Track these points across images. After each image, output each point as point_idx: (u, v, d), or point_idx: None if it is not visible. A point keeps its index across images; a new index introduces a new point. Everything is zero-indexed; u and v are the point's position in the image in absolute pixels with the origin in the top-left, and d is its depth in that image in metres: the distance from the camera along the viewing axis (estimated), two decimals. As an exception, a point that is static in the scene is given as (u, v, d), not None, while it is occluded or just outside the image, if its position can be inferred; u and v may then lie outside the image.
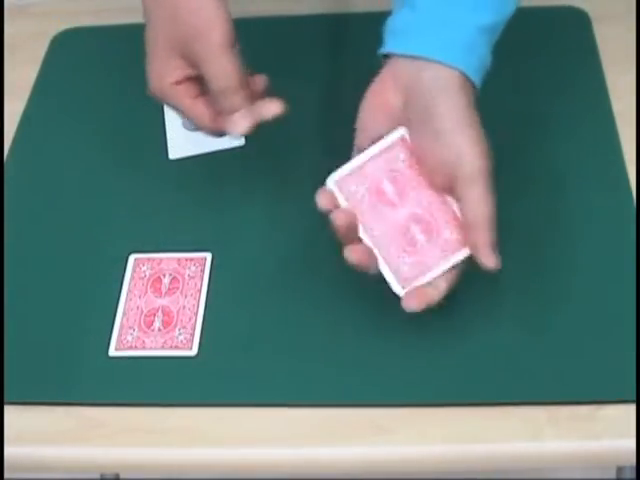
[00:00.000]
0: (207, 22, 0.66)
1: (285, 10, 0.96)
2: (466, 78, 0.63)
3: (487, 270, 0.63)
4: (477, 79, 0.64)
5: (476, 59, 0.64)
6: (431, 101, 0.63)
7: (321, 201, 0.65)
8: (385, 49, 0.66)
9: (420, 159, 0.65)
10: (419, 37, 0.64)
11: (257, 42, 0.93)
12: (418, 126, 0.64)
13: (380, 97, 0.66)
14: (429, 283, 0.64)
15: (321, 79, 0.88)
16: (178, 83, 0.69)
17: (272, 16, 0.95)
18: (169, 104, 0.71)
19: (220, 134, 0.70)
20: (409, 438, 0.65)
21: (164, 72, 0.69)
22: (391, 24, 0.66)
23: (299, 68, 0.90)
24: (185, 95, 0.69)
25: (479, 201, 0.63)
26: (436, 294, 0.64)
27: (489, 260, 0.63)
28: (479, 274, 0.72)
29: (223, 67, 0.67)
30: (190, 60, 0.68)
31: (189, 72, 0.68)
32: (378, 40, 0.96)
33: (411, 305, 0.64)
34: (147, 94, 0.71)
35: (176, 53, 0.68)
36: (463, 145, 0.63)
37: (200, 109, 0.69)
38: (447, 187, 0.64)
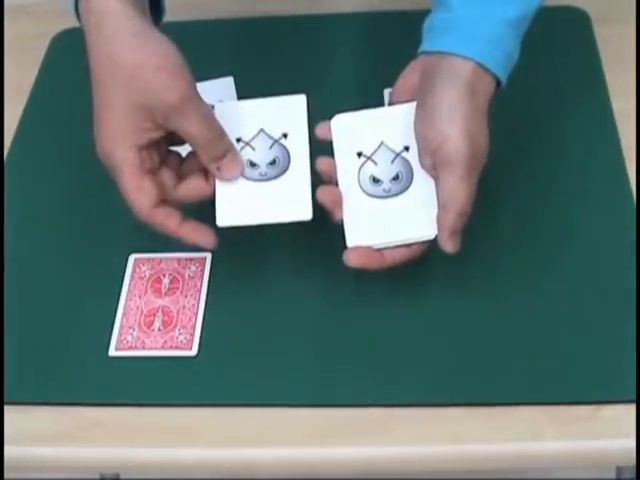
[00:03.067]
0: (166, 83, 0.64)
1: (285, 10, 0.96)
2: (483, 70, 0.66)
3: (446, 253, 0.65)
4: (501, 71, 0.67)
5: (500, 52, 0.67)
6: (435, 84, 0.66)
7: (318, 131, 0.69)
8: (421, 48, 0.69)
9: (415, 138, 0.67)
10: (446, 34, 0.67)
11: (257, 42, 0.93)
12: (420, 106, 0.67)
13: (405, 80, 0.70)
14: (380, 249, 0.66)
15: (321, 78, 0.88)
16: (141, 148, 0.65)
17: (272, 16, 0.95)
18: (117, 175, 0.66)
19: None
20: (409, 438, 0.65)
21: (123, 134, 0.66)
22: (427, 24, 0.70)
23: (299, 68, 0.89)
24: (140, 169, 0.65)
25: (454, 185, 0.65)
26: (380, 261, 0.66)
27: (447, 244, 0.65)
28: (479, 274, 0.72)
29: (200, 122, 0.65)
30: (157, 123, 0.65)
31: (154, 135, 0.65)
32: (378, 39, 0.97)
33: (350, 259, 0.66)
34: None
35: (140, 116, 0.65)
36: (451, 130, 0.64)
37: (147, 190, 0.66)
38: (433, 168, 0.66)
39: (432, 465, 0.66)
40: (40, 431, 0.67)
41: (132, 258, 0.76)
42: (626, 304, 0.69)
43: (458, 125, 0.64)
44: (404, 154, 0.68)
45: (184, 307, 0.72)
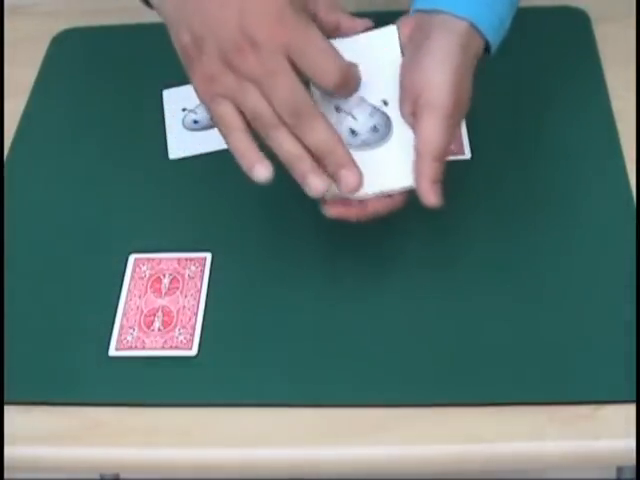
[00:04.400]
0: None
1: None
2: (475, 31, 0.65)
3: (426, 206, 0.64)
4: (492, 36, 0.66)
5: (495, 17, 0.67)
6: (429, 37, 0.65)
7: None
8: (414, 5, 0.69)
9: (400, 86, 0.66)
10: None
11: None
12: (409, 57, 0.66)
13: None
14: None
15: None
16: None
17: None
18: (303, 43, 0.60)
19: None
20: (409, 438, 0.65)
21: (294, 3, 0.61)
22: None
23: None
24: None
25: (432, 131, 0.64)
26: (361, 213, 0.66)
27: (429, 195, 0.64)
28: (479, 274, 0.72)
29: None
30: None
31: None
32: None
33: (329, 211, 0.66)
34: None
35: None
36: (435, 76, 0.64)
37: None
38: (412, 115, 0.66)
39: (432, 465, 0.66)
40: (40, 431, 0.67)
41: (132, 258, 0.76)
42: (626, 304, 0.69)
43: (446, 74, 0.64)
44: (383, 108, 0.67)
45: (184, 307, 0.72)
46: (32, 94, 0.91)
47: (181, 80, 0.89)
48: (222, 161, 0.82)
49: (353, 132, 0.67)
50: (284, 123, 0.62)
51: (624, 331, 0.68)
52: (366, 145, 0.67)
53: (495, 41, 0.67)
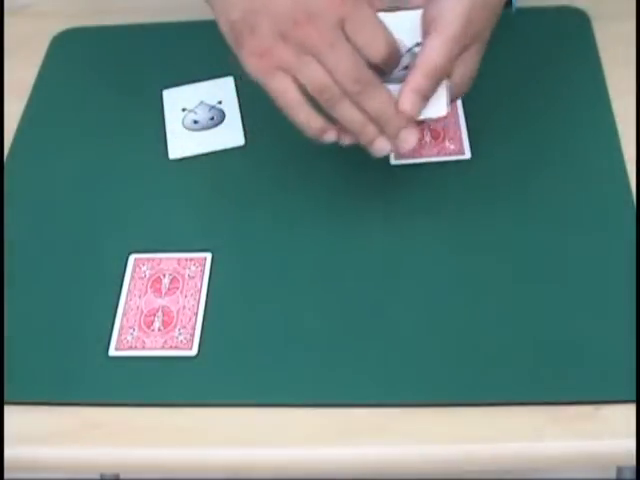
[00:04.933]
0: None
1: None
2: None
3: (402, 112, 0.66)
4: None
5: None
6: None
7: None
8: None
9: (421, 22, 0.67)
10: None
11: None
12: None
13: None
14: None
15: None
16: None
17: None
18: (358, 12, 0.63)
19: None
20: (409, 438, 0.65)
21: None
22: None
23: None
24: None
25: (429, 49, 0.65)
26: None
27: (404, 100, 0.65)
28: (478, 274, 0.72)
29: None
30: None
31: None
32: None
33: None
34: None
35: None
36: (448, 3, 0.65)
37: None
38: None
39: (432, 465, 0.66)
40: (40, 431, 0.67)
41: (132, 258, 0.76)
42: (626, 304, 0.69)
43: (461, 3, 0.65)
44: (415, 49, 0.68)
45: (184, 307, 0.72)
46: (32, 94, 0.91)
47: (181, 80, 0.90)
48: (222, 161, 0.83)
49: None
50: (346, 93, 0.64)
51: (624, 331, 0.68)
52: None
53: None
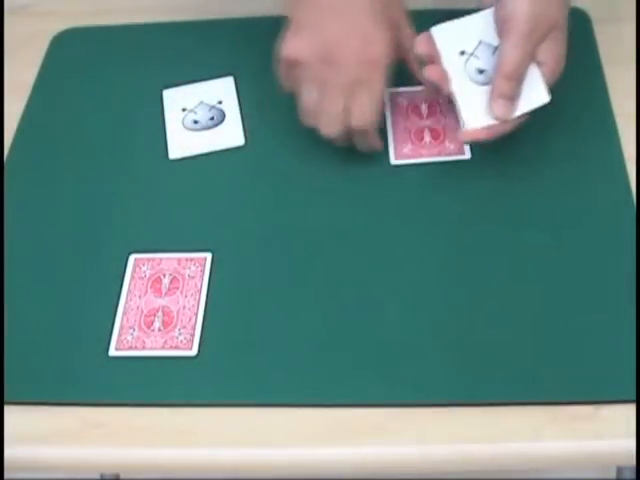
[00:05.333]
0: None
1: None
2: None
3: (496, 118, 0.73)
4: None
5: None
6: None
7: (418, 47, 0.75)
8: None
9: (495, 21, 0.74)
10: None
11: (257, 42, 0.93)
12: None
13: None
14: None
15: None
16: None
17: (272, 16, 0.95)
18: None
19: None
20: (409, 438, 0.65)
21: (388, 47, 0.75)
22: None
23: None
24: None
25: (504, 52, 0.72)
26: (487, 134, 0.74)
27: (493, 106, 0.73)
28: (478, 274, 0.72)
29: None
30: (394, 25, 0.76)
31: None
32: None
33: (465, 135, 0.75)
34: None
35: (391, 33, 0.75)
36: (515, 6, 0.71)
37: None
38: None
39: (432, 465, 0.66)
40: (40, 431, 0.67)
41: (132, 258, 0.76)
42: (626, 304, 0.69)
43: (524, 4, 0.70)
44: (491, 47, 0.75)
45: (184, 307, 0.72)
46: (32, 94, 0.91)
47: (181, 80, 0.90)
48: (222, 161, 0.83)
49: (480, 71, 0.74)
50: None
51: (624, 331, 0.68)
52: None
53: None
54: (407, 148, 0.81)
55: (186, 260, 0.75)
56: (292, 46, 0.75)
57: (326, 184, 0.80)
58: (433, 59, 0.74)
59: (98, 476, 1.23)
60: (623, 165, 0.78)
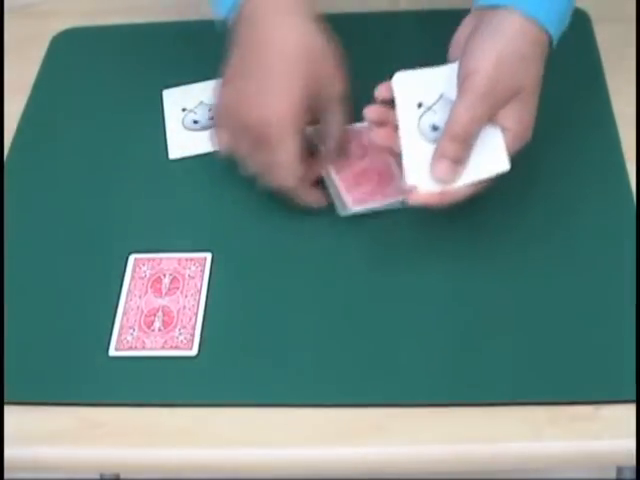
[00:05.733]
0: (334, 72, 0.71)
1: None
2: (537, 26, 0.68)
3: (437, 180, 0.67)
4: (553, 30, 0.68)
5: (553, 11, 0.68)
6: (481, 27, 0.68)
7: (378, 92, 0.71)
8: (476, 4, 0.71)
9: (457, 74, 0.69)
10: None
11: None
12: (466, 46, 0.69)
13: (460, 33, 0.72)
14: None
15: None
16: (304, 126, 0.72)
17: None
18: (278, 143, 0.71)
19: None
20: (409, 438, 0.65)
21: (296, 111, 0.70)
22: None
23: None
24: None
25: (455, 110, 0.67)
26: (439, 200, 0.68)
27: (434, 167, 0.67)
28: (478, 274, 0.72)
29: (345, 117, 0.73)
30: (317, 107, 0.72)
31: (309, 118, 0.72)
32: (380, 39, 0.96)
33: (412, 198, 0.68)
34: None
35: (310, 97, 0.71)
36: (477, 64, 0.67)
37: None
38: None
39: (431, 465, 0.66)
40: (40, 431, 0.67)
41: (132, 258, 0.76)
42: (626, 304, 0.69)
43: (487, 61, 0.66)
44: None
45: (184, 307, 0.72)
46: (32, 94, 0.91)
47: (181, 80, 0.90)
48: (222, 161, 0.83)
49: (435, 128, 0.69)
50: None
51: (624, 331, 0.68)
52: None
53: (556, 32, 0.69)
54: (359, 192, 0.77)
55: (186, 260, 0.75)
56: (217, 95, 0.74)
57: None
58: (385, 122, 0.70)
59: (98, 476, 1.23)
60: (623, 165, 0.78)
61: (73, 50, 0.96)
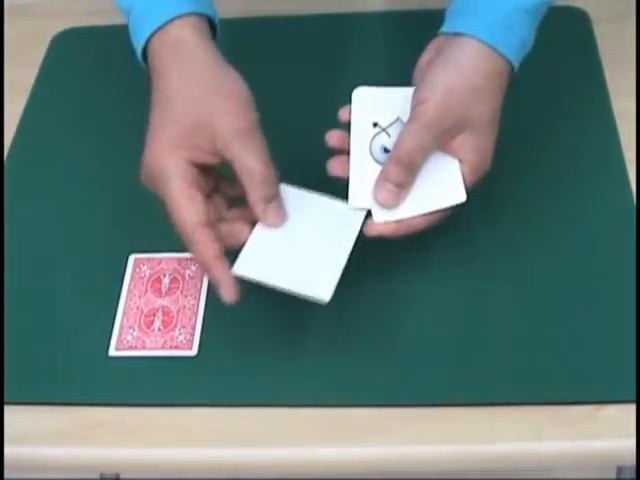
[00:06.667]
0: (236, 109, 0.66)
1: (286, 10, 0.96)
2: (497, 56, 0.68)
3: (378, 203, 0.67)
4: (513, 56, 0.68)
5: (513, 37, 0.69)
6: (440, 55, 0.69)
7: (341, 114, 0.70)
8: (440, 30, 0.71)
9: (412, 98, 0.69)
10: (462, 16, 0.70)
11: (257, 42, 0.93)
12: (424, 73, 0.69)
13: (424, 58, 0.72)
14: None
15: (319, 79, 0.88)
16: (194, 165, 0.66)
17: (272, 16, 0.96)
18: (166, 184, 0.66)
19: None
20: (409, 438, 0.65)
21: (180, 147, 0.66)
22: (449, 8, 0.72)
23: (299, 68, 0.90)
24: (192, 182, 0.65)
25: (402, 136, 0.67)
26: (395, 229, 0.67)
27: (376, 191, 0.66)
28: (478, 275, 0.72)
29: (260, 157, 0.66)
30: (215, 148, 0.66)
31: (209, 159, 0.66)
32: (378, 39, 0.96)
33: (369, 230, 0.67)
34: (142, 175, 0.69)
35: (202, 134, 0.66)
36: (428, 92, 0.66)
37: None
38: None
39: (432, 465, 0.66)
40: (40, 431, 0.68)
41: (132, 258, 0.76)
42: (626, 304, 0.69)
43: (438, 91, 0.66)
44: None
45: (184, 307, 0.72)
46: (32, 94, 0.91)
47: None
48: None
49: (386, 150, 0.68)
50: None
51: (624, 331, 0.68)
52: None
53: (515, 59, 0.69)
54: None
55: (186, 260, 0.75)
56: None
57: (324, 179, 0.79)
58: (345, 149, 0.69)
59: (98, 476, 1.23)
60: (623, 165, 0.78)
61: (73, 50, 0.96)
